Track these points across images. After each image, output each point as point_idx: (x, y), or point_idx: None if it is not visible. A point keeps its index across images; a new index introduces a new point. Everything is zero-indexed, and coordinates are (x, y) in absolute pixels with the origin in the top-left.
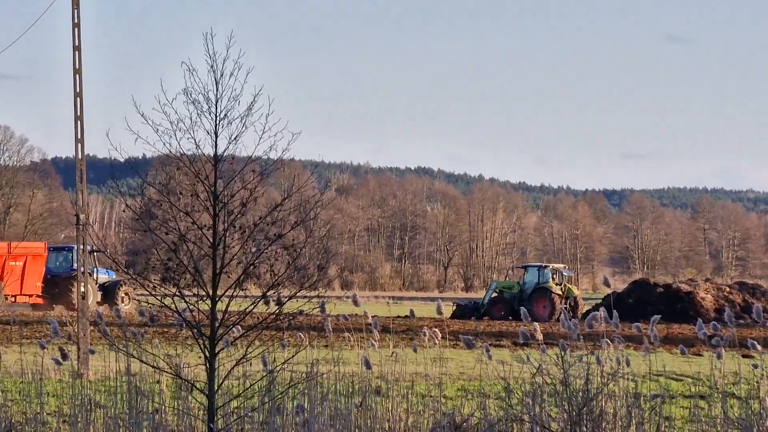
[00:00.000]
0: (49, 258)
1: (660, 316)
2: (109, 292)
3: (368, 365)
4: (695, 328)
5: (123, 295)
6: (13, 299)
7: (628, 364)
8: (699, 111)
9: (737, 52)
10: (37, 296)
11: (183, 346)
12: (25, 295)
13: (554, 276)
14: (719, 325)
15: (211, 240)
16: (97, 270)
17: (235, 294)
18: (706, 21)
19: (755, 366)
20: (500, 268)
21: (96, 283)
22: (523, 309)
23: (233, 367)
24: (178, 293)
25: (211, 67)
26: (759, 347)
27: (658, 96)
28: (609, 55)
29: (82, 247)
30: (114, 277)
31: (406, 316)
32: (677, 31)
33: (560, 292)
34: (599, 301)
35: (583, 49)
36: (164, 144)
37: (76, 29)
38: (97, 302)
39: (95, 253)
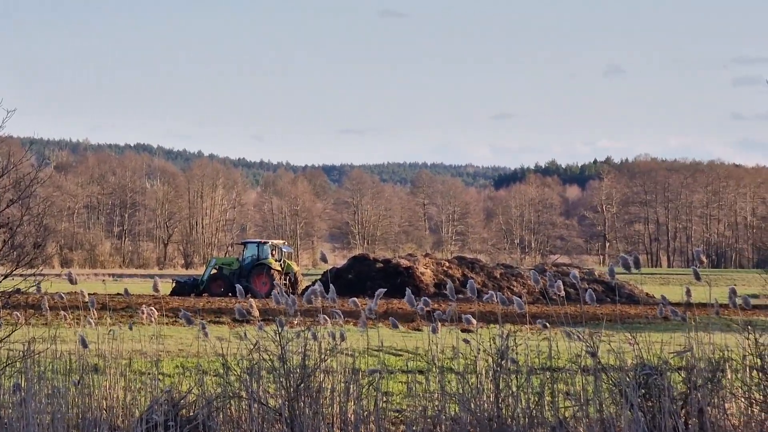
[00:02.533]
0: None
1: (384, 290)
2: None
3: (84, 344)
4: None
5: None
6: None
7: (343, 338)
8: (416, 86)
9: (451, 26)
10: None
11: None
12: None
13: (273, 252)
14: (429, 300)
15: None
16: None
17: None
18: None
19: (466, 341)
20: (220, 244)
21: None
22: (238, 286)
23: None
24: None
25: None
26: (474, 322)
27: (375, 71)
28: (324, 30)
29: None
30: None
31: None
32: (392, 6)
33: (280, 268)
34: (319, 277)
35: (310, 25)
36: None
37: None
38: None
39: None
